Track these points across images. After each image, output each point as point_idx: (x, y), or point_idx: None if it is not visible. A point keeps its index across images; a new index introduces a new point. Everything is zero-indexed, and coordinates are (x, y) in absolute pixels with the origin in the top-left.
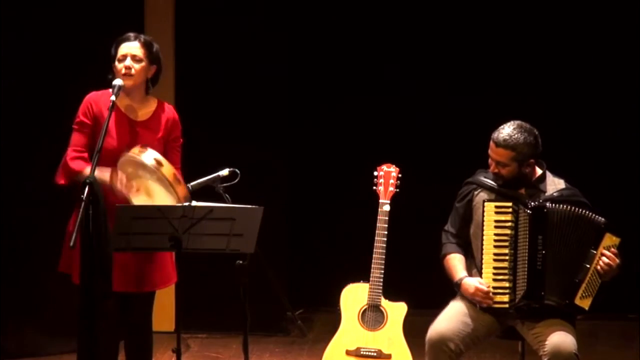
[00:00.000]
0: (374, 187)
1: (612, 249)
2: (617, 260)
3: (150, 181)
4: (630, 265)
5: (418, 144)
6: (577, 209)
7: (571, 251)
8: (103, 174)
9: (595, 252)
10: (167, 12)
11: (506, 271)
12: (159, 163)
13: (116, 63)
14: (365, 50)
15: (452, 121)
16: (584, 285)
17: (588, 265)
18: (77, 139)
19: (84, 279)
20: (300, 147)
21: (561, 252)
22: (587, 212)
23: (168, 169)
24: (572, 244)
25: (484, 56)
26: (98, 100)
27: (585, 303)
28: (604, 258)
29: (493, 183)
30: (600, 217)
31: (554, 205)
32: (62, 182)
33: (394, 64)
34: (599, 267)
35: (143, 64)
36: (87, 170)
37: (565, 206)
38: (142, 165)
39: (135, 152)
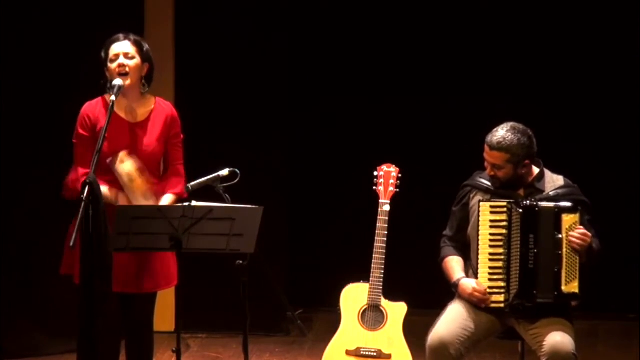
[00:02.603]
0: (374, 187)
1: (575, 226)
2: (587, 234)
3: (128, 189)
4: (630, 265)
5: (418, 144)
6: (548, 204)
7: (549, 246)
8: (110, 195)
9: (560, 236)
10: (167, 12)
11: (501, 271)
12: (130, 179)
13: (109, 64)
14: (365, 50)
15: (453, 121)
16: (563, 271)
17: (559, 252)
18: (79, 154)
19: (84, 279)
20: (301, 147)
21: (548, 250)
22: (545, 204)
23: (139, 184)
24: (548, 239)
25: (484, 56)
26: (94, 110)
27: (572, 287)
28: (570, 238)
29: (488, 184)
30: (552, 203)
31: (545, 204)
32: (67, 196)
33: (395, 64)
34: (573, 246)
35: (136, 61)
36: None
37: (544, 203)
38: (118, 176)
39: (116, 160)
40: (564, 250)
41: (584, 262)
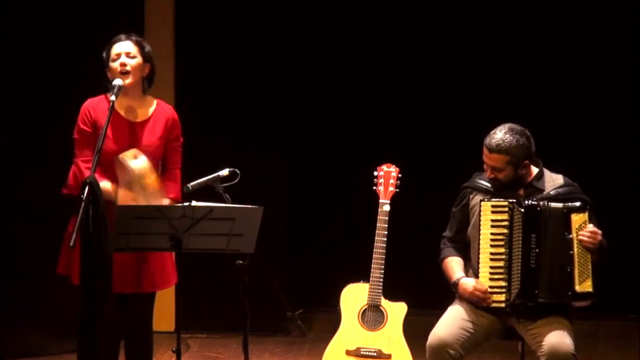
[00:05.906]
0: (374, 187)
1: (585, 225)
2: (597, 232)
3: (135, 186)
4: (630, 265)
5: (418, 144)
6: (557, 204)
7: (558, 246)
8: (107, 190)
9: (570, 236)
10: (167, 12)
11: (502, 270)
12: (143, 174)
13: (110, 64)
14: (365, 50)
15: (453, 121)
16: (576, 270)
17: (571, 252)
18: (81, 148)
19: (83, 280)
20: (301, 147)
21: (552, 250)
22: (554, 205)
23: (152, 181)
24: (557, 239)
25: (484, 56)
26: (96, 106)
27: (586, 286)
28: (581, 237)
29: (488, 185)
30: (560, 204)
31: (547, 203)
32: (73, 193)
33: (394, 64)
34: (585, 245)
35: (138, 60)
36: (103, 182)
37: (553, 204)
38: (130, 171)
39: (128, 155)
40: (575, 249)
41: (595, 261)
